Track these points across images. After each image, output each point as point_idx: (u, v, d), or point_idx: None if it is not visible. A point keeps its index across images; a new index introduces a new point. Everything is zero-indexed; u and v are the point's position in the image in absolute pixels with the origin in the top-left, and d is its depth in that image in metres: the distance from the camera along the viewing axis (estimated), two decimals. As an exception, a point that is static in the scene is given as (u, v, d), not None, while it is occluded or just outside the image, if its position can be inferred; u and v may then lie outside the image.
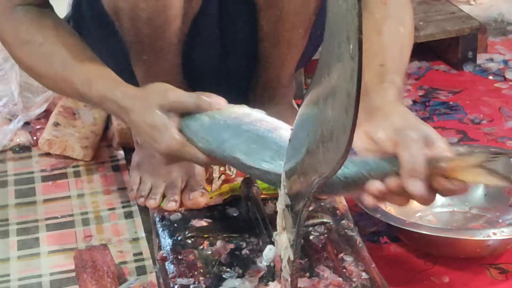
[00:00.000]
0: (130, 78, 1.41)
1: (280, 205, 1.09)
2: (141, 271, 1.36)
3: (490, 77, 2.00)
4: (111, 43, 1.40)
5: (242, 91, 1.53)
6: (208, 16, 1.39)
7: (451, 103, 1.88)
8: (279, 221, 1.10)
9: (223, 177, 1.42)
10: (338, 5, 0.77)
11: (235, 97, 1.55)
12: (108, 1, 1.34)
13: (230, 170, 1.43)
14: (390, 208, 1.43)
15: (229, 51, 1.46)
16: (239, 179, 1.40)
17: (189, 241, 1.30)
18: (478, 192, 1.48)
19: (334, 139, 0.84)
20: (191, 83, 1.48)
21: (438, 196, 1.44)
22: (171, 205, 1.39)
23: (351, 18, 0.75)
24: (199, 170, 1.42)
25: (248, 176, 1.40)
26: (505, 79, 1.98)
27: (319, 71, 0.89)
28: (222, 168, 1.43)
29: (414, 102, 1.89)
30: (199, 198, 1.39)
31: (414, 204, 1.43)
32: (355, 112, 0.78)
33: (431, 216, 1.46)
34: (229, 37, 1.44)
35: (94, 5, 1.37)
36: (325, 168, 0.88)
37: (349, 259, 1.26)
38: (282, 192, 1.07)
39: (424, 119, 1.82)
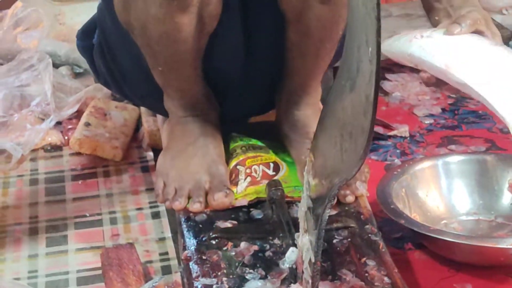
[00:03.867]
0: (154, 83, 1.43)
1: (303, 207, 1.10)
2: (166, 270, 1.37)
3: (521, 87, 1.99)
4: (131, 48, 1.42)
5: (267, 97, 1.54)
6: (230, 25, 1.40)
7: (480, 112, 1.88)
8: (301, 223, 1.11)
9: (248, 179, 1.43)
10: (358, 9, 0.78)
11: (260, 103, 1.57)
12: (122, 17, 1.36)
13: (256, 172, 1.44)
14: (415, 214, 1.43)
15: (253, 59, 1.47)
16: (265, 182, 1.42)
17: (213, 242, 1.31)
18: (504, 201, 1.48)
19: (353, 141, 0.85)
20: (216, 90, 1.50)
21: (463, 204, 1.48)
22: (196, 206, 1.40)
23: (370, 21, 0.76)
24: (222, 171, 1.44)
25: (273, 179, 1.41)
26: (536, 89, 1.97)
27: (340, 74, 0.91)
28: (248, 171, 1.44)
29: (443, 110, 1.89)
30: (224, 199, 1.40)
31: (440, 211, 1.46)
32: (373, 114, 0.79)
33: (456, 224, 1.46)
34: (254, 46, 1.45)
35: (113, 12, 1.39)
36: (345, 170, 0.89)
37: (371, 263, 1.26)
38: (304, 195, 1.09)
39: (453, 127, 1.82)
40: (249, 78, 1.50)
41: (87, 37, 1.60)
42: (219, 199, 1.39)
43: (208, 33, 1.37)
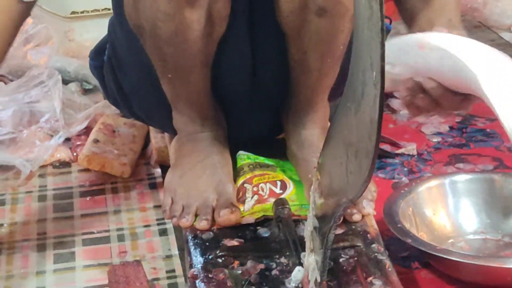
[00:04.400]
0: (162, 94, 1.44)
1: (309, 227, 1.10)
2: (173, 288, 1.38)
3: (529, 105, 1.99)
4: (141, 61, 1.43)
5: (275, 113, 1.55)
6: (237, 40, 1.41)
7: (488, 130, 1.88)
8: (308, 243, 1.12)
9: (256, 197, 1.44)
10: (363, 32, 0.79)
11: (268, 120, 1.57)
12: (132, 19, 1.37)
13: (263, 190, 1.45)
14: (422, 233, 1.43)
15: (260, 74, 1.48)
16: (272, 200, 1.42)
17: (220, 260, 1.31)
18: (512, 220, 1.48)
19: (358, 163, 0.85)
20: (224, 105, 1.51)
21: (470, 224, 1.47)
22: (203, 224, 1.40)
23: (375, 45, 0.76)
24: (230, 189, 1.44)
25: (280, 197, 1.42)
26: (544, 108, 1.97)
27: (345, 96, 0.91)
28: (255, 189, 1.45)
29: (451, 128, 1.90)
30: (230, 215, 1.39)
31: (447, 230, 1.46)
32: (377, 137, 0.79)
33: (463, 243, 1.46)
34: (260, 61, 1.46)
35: (124, 23, 1.40)
36: (350, 192, 0.89)
37: (378, 282, 1.26)
38: (310, 214, 1.09)
39: (461, 145, 1.82)
40: (256, 96, 1.51)
41: (99, 56, 1.62)
42: (225, 216, 1.39)
43: (217, 37, 1.38)
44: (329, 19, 1.35)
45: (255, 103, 1.52)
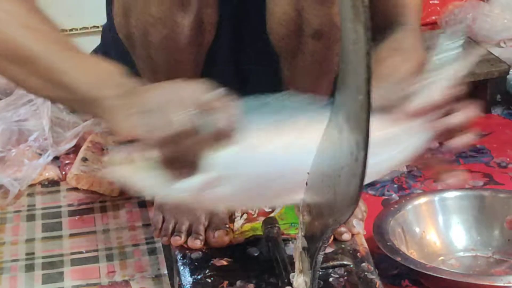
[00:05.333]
0: None
1: (298, 248, 1.09)
2: (162, 308, 1.37)
3: (519, 121, 2.00)
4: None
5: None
6: (224, 51, 1.40)
7: (478, 146, 1.88)
8: (297, 263, 1.11)
9: (245, 216, 1.43)
10: (349, 56, 0.79)
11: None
12: (121, 28, 1.36)
13: (252, 209, 1.44)
14: (412, 251, 1.43)
15: (248, 89, 1.47)
16: (261, 219, 1.41)
17: (209, 280, 1.31)
18: (502, 237, 1.48)
19: (346, 185, 0.85)
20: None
21: (460, 241, 1.47)
22: (196, 242, 1.39)
23: (361, 69, 0.76)
24: (222, 208, 1.43)
25: (269, 216, 1.41)
26: (534, 123, 1.98)
27: (331, 119, 0.91)
28: (244, 208, 1.44)
29: (440, 143, 1.89)
30: (224, 237, 1.39)
31: (437, 247, 1.46)
32: (364, 161, 0.79)
33: (453, 260, 1.46)
34: (248, 82, 1.46)
35: (114, 33, 1.40)
36: (338, 213, 0.89)
37: (368, 302, 1.26)
38: (299, 235, 1.08)
39: (450, 161, 1.82)
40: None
41: None
42: (219, 237, 1.38)
43: (206, 45, 1.38)
44: (324, 41, 1.35)
45: None
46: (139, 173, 1.03)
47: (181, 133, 1.00)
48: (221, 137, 1.01)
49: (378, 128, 1.01)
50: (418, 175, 1.76)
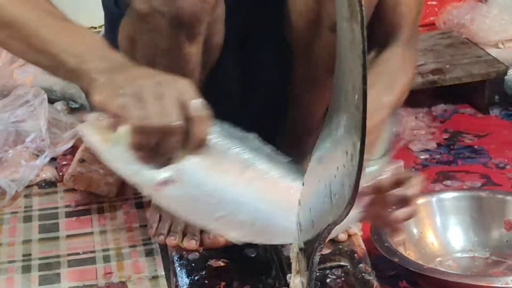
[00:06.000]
0: None
1: (295, 248, 1.09)
2: (158, 309, 1.37)
3: (517, 122, 2.00)
4: None
5: (269, 136, 1.53)
6: (227, 67, 1.40)
7: (475, 146, 1.87)
8: (293, 264, 1.11)
9: (242, 217, 1.43)
10: (345, 55, 0.78)
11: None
12: (125, 50, 1.35)
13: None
14: (409, 252, 1.43)
15: (251, 95, 1.47)
16: (258, 220, 1.41)
17: (206, 281, 1.31)
18: (500, 238, 1.47)
19: (341, 187, 0.85)
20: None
21: (458, 242, 1.47)
22: (191, 243, 1.39)
23: (357, 68, 0.76)
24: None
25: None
26: (532, 124, 1.98)
27: (328, 117, 0.90)
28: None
29: (439, 145, 1.89)
30: (220, 238, 1.39)
31: (435, 248, 1.46)
32: (360, 160, 0.79)
33: (451, 261, 1.46)
34: (252, 82, 1.45)
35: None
36: (334, 216, 0.88)
37: (365, 303, 1.26)
38: (296, 236, 1.08)
39: (448, 162, 1.82)
40: (249, 116, 1.50)
41: None
42: (214, 238, 1.38)
43: (210, 65, 1.37)
44: None
45: (247, 125, 1.51)
46: (109, 143, 1.03)
47: (166, 127, 1.00)
48: (193, 143, 1.02)
49: None
50: (416, 176, 1.75)
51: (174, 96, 1.01)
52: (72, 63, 1.06)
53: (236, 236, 1.10)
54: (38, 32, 1.08)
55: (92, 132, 1.05)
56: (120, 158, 1.04)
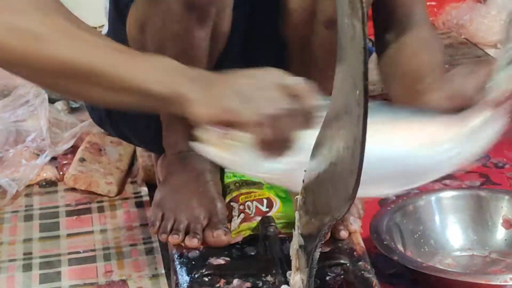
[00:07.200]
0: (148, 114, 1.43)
1: (294, 245, 1.10)
2: (159, 307, 1.37)
3: (516, 121, 2.00)
4: None
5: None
6: (232, 58, 1.41)
7: (475, 146, 1.87)
8: (293, 261, 1.11)
9: (242, 216, 1.43)
10: (346, 51, 0.79)
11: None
12: (135, 42, 1.36)
13: (249, 209, 1.44)
14: (409, 250, 1.43)
15: None
16: (258, 218, 1.41)
17: (206, 279, 1.31)
18: (499, 237, 1.48)
19: (343, 182, 0.85)
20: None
21: (457, 240, 1.47)
22: (193, 241, 1.39)
23: (357, 64, 0.76)
24: (222, 209, 1.43)
25: (266, 215, 1.41)
26: (531, 124, 1.98)
27: (328, 114, 0.91)
28: (241, 207, 1.44)
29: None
30: (223, 237, 1.39)
31: (434, 247, 1.46)
32: (361, 156, 0.79)
33: (450, 259, 1.46)
34: None
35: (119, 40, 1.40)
36: (334, 210, 0.89)
37: (364, 301, 1.26)
38: (296, 233, 1.09)
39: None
40: None
41: None
42: (218, 237, 1.38)
43: (217, 55, 1.38)
44: (335, 30, 1.35)
45: None
46: (230, 151, 1.04)
47: (276, 115, 1.01)
48: (307, 120, 1.02)
49: (459, 122, 1.12)
50: (415, 175, 1.76)
51: (273, 83, 1.03)
52: (164, 91, 1.05)
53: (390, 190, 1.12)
54: (117, 72, 1.05)
55: (211, 146, 1.05)
56: (248, 161, 1.05)
